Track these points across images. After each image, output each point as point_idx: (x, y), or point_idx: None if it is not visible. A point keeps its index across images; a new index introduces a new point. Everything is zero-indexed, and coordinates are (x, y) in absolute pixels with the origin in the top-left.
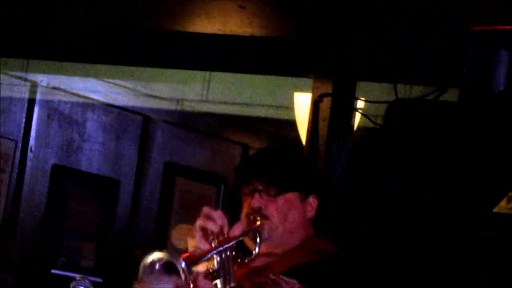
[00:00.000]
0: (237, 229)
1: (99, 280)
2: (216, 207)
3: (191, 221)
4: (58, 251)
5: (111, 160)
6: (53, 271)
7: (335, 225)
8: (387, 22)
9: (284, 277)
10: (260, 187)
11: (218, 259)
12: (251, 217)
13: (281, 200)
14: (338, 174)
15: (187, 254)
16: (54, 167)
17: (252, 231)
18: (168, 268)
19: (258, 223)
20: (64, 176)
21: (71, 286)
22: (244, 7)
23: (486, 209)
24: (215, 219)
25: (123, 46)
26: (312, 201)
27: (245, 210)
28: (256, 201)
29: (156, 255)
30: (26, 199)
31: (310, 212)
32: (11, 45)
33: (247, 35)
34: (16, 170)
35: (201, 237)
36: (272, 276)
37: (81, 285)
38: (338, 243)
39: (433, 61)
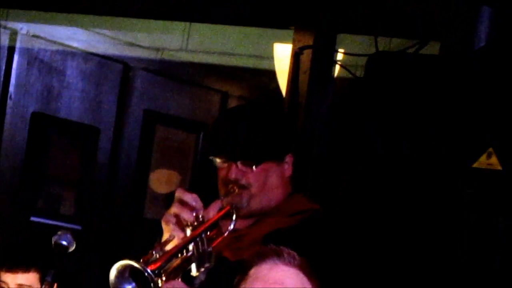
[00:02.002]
0: (211, 211)
1: (78, 227)
2: (189, 191)
3: (170, 167)
4: (38, 198)
5: (91, 108)
6: (32, 218)
7: (315, 177)
8: None
9: (285, 248)
10: (235, 158)
11: (193, 244)
12: (229, 186)
13: (258, 169)
14: (318, 126)
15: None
16: (34, 114)
17: (227, 210)
18: (137, 273)
19: (236, 192)
20: (44, 124)
21: (53, 240)
22: None
23: (465, 164)
24: (189, 204)
25: None
26: (288, 160)
27: (221, 177)
28: (233, 172)
29: (123, 263)
30: (6, 146)
31: (288, 170)
32: None
33: None
34: None
35: (175, 225)
36: (274, 246)
37: (63, 240)
38: (318, 196)
39: (414, 14)
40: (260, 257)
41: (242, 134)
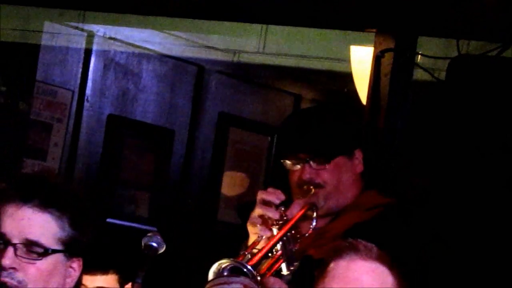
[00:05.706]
0: (295, 209)
1: (153, 229)
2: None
3: (243, 170)
4: (113, 199)
5: (165, 110)
6: (108, 220)
7: (394, 179)
8: None
9: (362, 241)
10: (307, 158)
11: (281, 243)
12: (304, 187)
13: (331, 166)
14: (399, 128)
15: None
16: (110, 117)
17: (309, 207)
18: (235, 272)
19: (312, 192)
20: (119, 126)
21: (142, 242)
22: None
23: None
24: (273, 203)
25: None
26: (358, 155)
27: (295, 180)
28: (307, 172)
29: (222, 262)
30: (82, 148)
31: (358, 167)
32: None
33: None
34: (73, 120)
35: (262, 225)
36: (350, 240)
37: (153, 242)
38: (398, 196)
39: (497, 17)
40: (337, 253)
41: (311, 133)
